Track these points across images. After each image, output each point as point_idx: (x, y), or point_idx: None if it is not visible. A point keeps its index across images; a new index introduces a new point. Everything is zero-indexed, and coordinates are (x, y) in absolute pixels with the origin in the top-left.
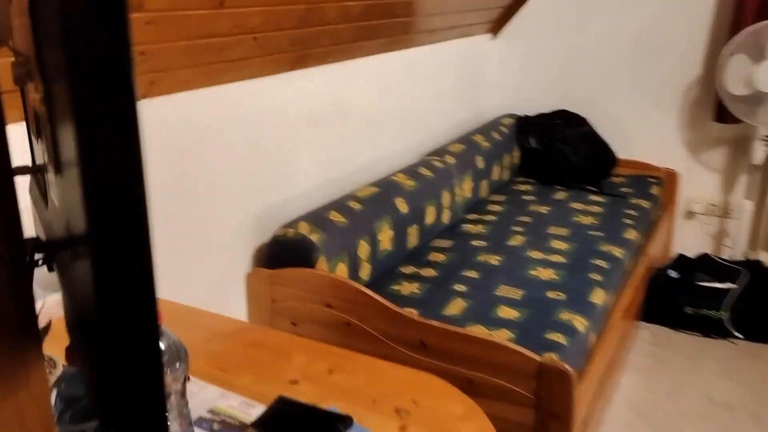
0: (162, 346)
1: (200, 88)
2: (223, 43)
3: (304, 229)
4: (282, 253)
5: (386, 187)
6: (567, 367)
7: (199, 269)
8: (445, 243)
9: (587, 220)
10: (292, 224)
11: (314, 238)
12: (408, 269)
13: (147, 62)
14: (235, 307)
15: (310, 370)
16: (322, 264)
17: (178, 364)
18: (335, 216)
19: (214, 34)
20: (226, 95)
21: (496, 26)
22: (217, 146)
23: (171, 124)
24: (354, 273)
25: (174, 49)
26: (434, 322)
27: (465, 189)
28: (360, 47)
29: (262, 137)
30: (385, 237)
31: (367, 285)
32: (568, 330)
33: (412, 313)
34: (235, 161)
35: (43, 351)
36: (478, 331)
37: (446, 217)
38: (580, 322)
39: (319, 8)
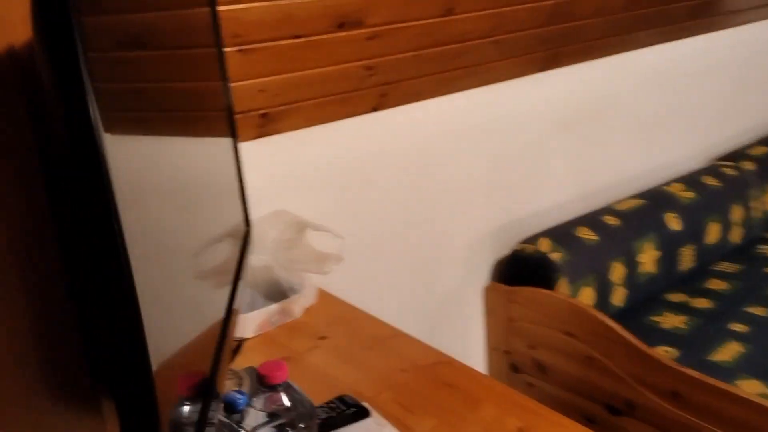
0: (287, 402)
1: (434, 97)
2: (457, 50)
3: (544, 246)
4: (520, 270)
5: (654, 199)
6: None
7: (435, 279)
8: (731, 267)
9: None
10: (533, 240)
11: (555, 257)
12: (676, 297)
13: (375, 76)
14: (472, 320)
15: (498, 426)
16: (563, 286)
17: (302, 425)
18: (585, 233)
19: (445, 41)
20: (464, 102)
21: None
22: (456, 156)
23: (406, 135)
24: (603, 298)
25: (402, 60)
26: (692, 372)
27: (767, 201)
28: (629, 39)
29: (506, 145)
30: (648, 258)
31: (620, 313)
32: None
33: (666, 354)
34: (476, 171)
35: (232, 366)
36: (751, 387)
37: (736, 236)
38: None
39: (574, 1)
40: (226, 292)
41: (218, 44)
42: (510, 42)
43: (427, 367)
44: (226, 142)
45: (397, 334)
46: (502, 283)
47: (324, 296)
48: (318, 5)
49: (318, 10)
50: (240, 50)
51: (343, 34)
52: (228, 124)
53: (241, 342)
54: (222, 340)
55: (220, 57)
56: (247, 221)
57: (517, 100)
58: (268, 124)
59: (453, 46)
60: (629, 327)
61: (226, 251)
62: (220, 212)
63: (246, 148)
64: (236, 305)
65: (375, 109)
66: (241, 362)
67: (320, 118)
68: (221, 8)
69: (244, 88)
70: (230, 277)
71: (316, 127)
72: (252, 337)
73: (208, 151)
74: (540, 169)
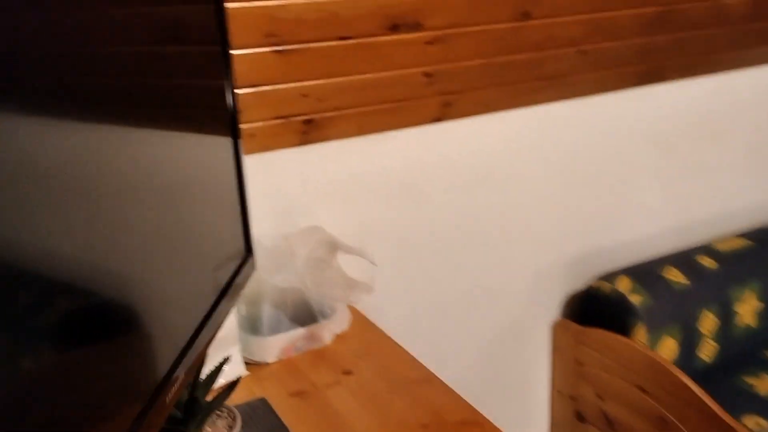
0: None
1: (506, 109)
2: (535, 59)
3: (623, 285)
4: (593, 309)
5: (763, 240)
6: None
7: (495, 309)
8: None
9: None
10: (611, 277)
11: (635, 299)
12: None
13: (436, 84)
14: (536, 358)
15: None
16: (640, 333)
17: None
18: (673, 274)
19: (521, 49)
20: (542, 117)
21: None
22: (528, 175)
23: (469, 150)
24: (688, 351)
25: (468, 68)
26: None
27: None
28: (749, 54)
29: (588, 166)
30: (747, 309)
31: (708, 370)
32: None
33: (756, 428)
34: (551, 193)
35: (226, 402)
36: None
37: None
38: None
39: (682, 9)
40: (181, 338)
41: (222, 38)
42: (601, 52)
43: (452, 425)
44: (224, 153)
45: (428, 379)
46: (574, 321)
47: (359, 321)
48: (367, 4)
49: (367, 9)
50: (276, 51)
51: (398, 36)
52: (229, 131)
53: (237, 379)
54: (153, 401)
55: (225, 54)
56: (248, 248)
57: (606, 116)
58: (312, 131)
59: (529, 54)
60: (716, 388)
61: (203, 287)
62: (202, 237)
63: (286, 155)
64: (185, 367)
65: (437, 119)
66: (255, 390)
67: (372, 126)
68: (251, 4)
69: (283, 92)
70: (193, 320)
71: (367, 137)
72: (273, 363)
73: (187, 167)
74: (627, 196)
